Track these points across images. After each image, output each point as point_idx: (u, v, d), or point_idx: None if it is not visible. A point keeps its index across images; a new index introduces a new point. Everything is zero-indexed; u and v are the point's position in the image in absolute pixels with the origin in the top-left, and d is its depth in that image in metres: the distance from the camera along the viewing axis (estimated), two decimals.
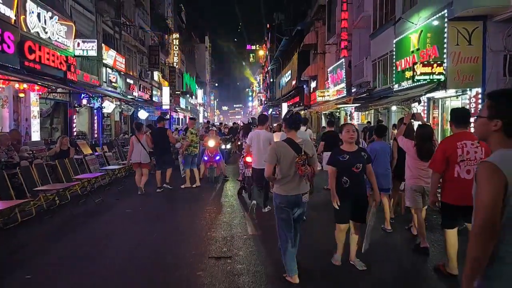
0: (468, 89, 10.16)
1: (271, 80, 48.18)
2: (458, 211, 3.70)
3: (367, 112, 18.56)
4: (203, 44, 76.16)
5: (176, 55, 36.00)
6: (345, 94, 18.86)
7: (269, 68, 47.57)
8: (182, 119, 41.34)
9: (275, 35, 44.03)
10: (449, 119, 4.00)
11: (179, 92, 35.20)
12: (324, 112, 26.04)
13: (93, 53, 13.88)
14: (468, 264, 1.59)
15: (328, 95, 22.10)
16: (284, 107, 37.45)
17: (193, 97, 51.24)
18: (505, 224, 1.56)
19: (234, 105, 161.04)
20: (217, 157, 9.72)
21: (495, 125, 1.66)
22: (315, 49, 25.83)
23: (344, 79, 18.68)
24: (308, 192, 3.79)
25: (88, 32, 15.96)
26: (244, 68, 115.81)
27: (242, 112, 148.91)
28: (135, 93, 22.23)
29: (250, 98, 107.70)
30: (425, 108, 12.27)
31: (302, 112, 34.39)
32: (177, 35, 36.27)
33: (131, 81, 21.45)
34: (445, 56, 10.04)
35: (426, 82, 10.67)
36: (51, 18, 11.80)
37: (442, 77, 10.09)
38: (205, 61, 77.02)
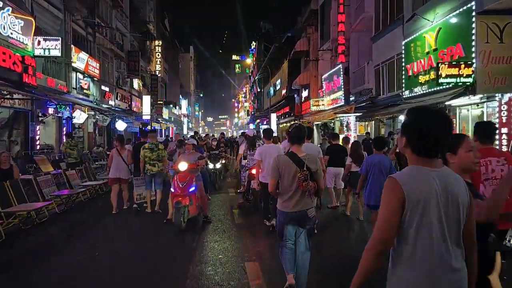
0: (497, 94, 8.66)
1: (259, 90, 46.63)
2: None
3: (366, 123, 17.04)
4: (188, 53, 74.48)
5: (158, 63, 34.09)
6: (343, 103, 17.31)
7: (256, 77, 46.04)
8: (164, 130, 39.16)
9: (263, 44, 42.68)
10: (473, 133, 3.52)
11: (161, 102, 33.15)
12: (317, 123, 24.51)
13: (56, 52, 11.90)
14: (357, 275, 1.65)
15: (323, 104, 20.55)
16: (273, 118, 35.87)
17: (177, 107, 49.17)
18: (398, 239, 1.62)
19: (220, 116, 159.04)
20: (191, 188, 6.37)
21: (403, 141, 1.70)
22: (307, 56, 24.40)
23: (342, 86, 17.15)
24: (313, 207, 3.57)
25: (55, 31, 13.96)
26: (230, 78, 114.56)
27: (227, 123, 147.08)
28: (112, 102, 20.16)
29: (236, 109, 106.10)
30: None
31: (292, 123, 32.92)
32: (160, 42, 34.43)
33: (107, 89, 19.40)
34: (473, 55, 8.54)
35: (449, 86, 9.13)
36: (1, 8, 9.81)
37: (470, 80, 8.56)
38: (189, 71, 75.21)
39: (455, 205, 1.61)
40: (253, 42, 49.14)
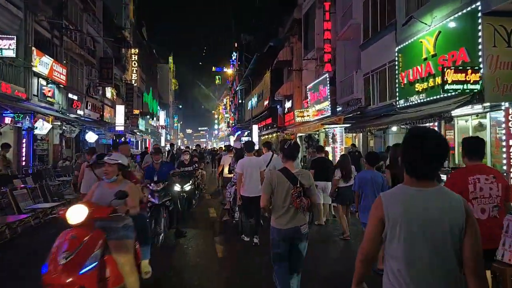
0: (504, 103, 7.88)
1: (240, 101, 45.65)
2: None
3: (354, 135, 16.20)
4: (167, 64, 73.16)
5: (134, 71, 32.60)
6: (329, 114, 16.43)
7: (237, 88, 45.09)
8: (139, 141, 37.42)
9: (244, 55, 41.93)
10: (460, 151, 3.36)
11: (137, 113, 31.53)
12: (300, 135, 23.61)
13: (10, 53, 10.46)
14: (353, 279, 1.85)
15: (308, 115, 19.65)
16: (255, 129, 34.86)
17: (154, 118, 47.47)
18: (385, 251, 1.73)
19: (199, 128, 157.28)
20: (85, 268, 3.03)
21: (400, 161, 1.89)
22: (290, 66, 23.61)
23: (328, 96, 16.30)
24: (306, 223, 3.47)
25: (13, 32, 12.44)
26: (209, 90, 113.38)
27: (207, 136, 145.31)
28: (80, 111, 18.56)
29: (216, 121, 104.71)
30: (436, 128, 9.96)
31: (274, 135, 31.94)
32: (136, 51, 33.00)
33: (75, 97, 17.82)
34: (480, 60, 7.74)
35: (452, 94, 8.30)
36: None
37: (477, 87, 7.75)
38: (168, 82, 73.75)
39: (441, 227, 1.60)
40: (234, 53, 48.35)
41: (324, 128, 16.55)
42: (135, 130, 32.68)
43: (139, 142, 37.57)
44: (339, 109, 16.29)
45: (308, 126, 18.20)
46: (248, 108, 38.95)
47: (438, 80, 9.00)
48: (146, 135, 41.13)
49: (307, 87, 19.52)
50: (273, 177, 3.44)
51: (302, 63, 22.08)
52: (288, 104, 25.28)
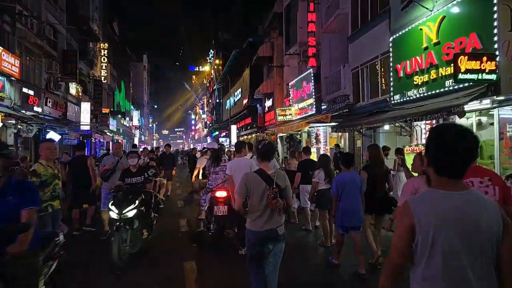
0: None
1: (217, 100, 44.07)
2: None
3: (340, 135, 15.13)
4: (141, 63, 70.61)
5: (104, 68, 30.44)
6: (314, 112, 15.30)
7: (215, 87, 43.51)
8: (109, 142, 35.20)
9: (221, 53, 40.46)
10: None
11: (107, 112, 29.42)
12: (281, 135, 22.43)
13: None
14: None
15: (290, 114, 18.47)
16: (233, 130, 33.45)
17: (127, 118, 45.15)
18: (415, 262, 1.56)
19: (176, 129, 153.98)
20: None
21: (426, 161, 1.65)
22: (271, 62, 22.40)
23: (313, 93, 15.16)
24: (283, 225, 3.39)
25: None
26: (186, 90, 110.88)
27: (184, 137, 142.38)
28: (38, 108, 16.56)
29: (193, 122, 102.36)
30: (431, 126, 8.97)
31: (253, 136, 30.62)
32: (106, 45, 30.86)
33: (31, 92, 15.85)
34: (496, 46, 6.72)
35: (461, 86, 7.25)
36: None
37: (493, 77, 6.71)
38: (143, 81, 71.16)
39: (478, 233, 1.47)
40: (211, 50, 46.74)
41: (309, 127, 15.38)
42: (105, 130, 30.53)
43: (110, 143, 35.35)
44: (324, 107, 15.17)
45: (290, 126, 17.00)
46: (226, 107, 37.50)
47: (443, 71, 7.96)
48: (117, 136, 38.87)
49: (289, 84, 18.35)
50: (248, 178, 3.34)
51: (283, 59, 20.94)
52: (268, 103, 24.06)
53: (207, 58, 49.76)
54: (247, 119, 29.63)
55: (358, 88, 12.37)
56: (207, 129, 59.02)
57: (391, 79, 9.91)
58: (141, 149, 17.07)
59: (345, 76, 12.83)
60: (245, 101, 28.10)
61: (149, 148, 18.72)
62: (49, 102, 18.11)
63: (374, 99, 11.26)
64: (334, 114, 12.41)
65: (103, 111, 28.82)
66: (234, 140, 33.37)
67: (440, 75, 8.01)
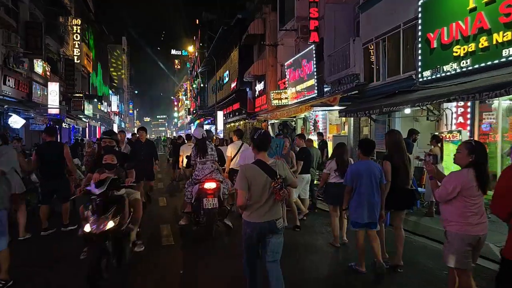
0: None
1: (202, 85, 41.70)
2: None
3: (343, 121, 13.47)
4: (120, 45, 67.06)
5: (77, 46, 27.69)
6: (315, 94, 13.52)
7: (199, 71, 41.03)
8: (85, 129, 32.60)
9: (206, 33, 37.94)
10: None
11: (80, 95, 26.83)
12: (273, 122, 20.63)
13: None
14: None
15: (286, 98, 16.65)
16: (220, 116, 31.46)
17: (105, 103, 42.33)
18: None
19: (158, 116, 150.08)
20: None
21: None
22: (262, 40, 20.39)
23: (315, 73, 13.36)
24: (281, 217, 3.28)
25: None
26: (168, 75, 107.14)
27: (166, 124, 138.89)
28: None
29: (175, 108, 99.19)
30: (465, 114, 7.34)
31: (242, 123, 28.68)
32: (79, 21, 28.03)
33: None
34: None
35: None
36: None
37: None
38: (122, 64, 67.75)
39: None
40: (196, 31, 44.05)
41: (311, 112, 13.60)
42: (80, 116, 27.99)
43: (85, 129, 32.75)
44: (327, 89, 13.41)
45: (286, 111, 15.18)
46: (212, 92, 35.32)
47: (498, 37, 6.29)
48: (94, 122, 36.24)
49: (285, 64, 16.47)
50: (248, 171, 3.19)
51: (277, 37, 18.96)
52: (259, 86, 22.12)
53: (191, 39, 47.00)
54: (235, 104, 27.62)
55: (371, 66, 10.64)
56: (190, 116, 56.58)
57: (419, 52, 8.19)
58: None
59: (354, 52, 11.06)
60: (233, 85, 26.06)
61: (129, 136, 16.49)
62: (9, 80, 15.69)
63: (393, 77, 9.54)
64: (344, 95, 10.65)
65: (77, 94, 26.24)
66: (220, 127, 31.42)
67: (494, 42, 6.33)
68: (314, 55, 13.26)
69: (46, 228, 6.05)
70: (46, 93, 19.77)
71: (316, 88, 13.39)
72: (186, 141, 10.72)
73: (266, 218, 3.16)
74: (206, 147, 5.94)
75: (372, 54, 10.55)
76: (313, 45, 13.27)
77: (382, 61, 10.05)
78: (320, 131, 13.85)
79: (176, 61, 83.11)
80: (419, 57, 8.20)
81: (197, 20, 39.99)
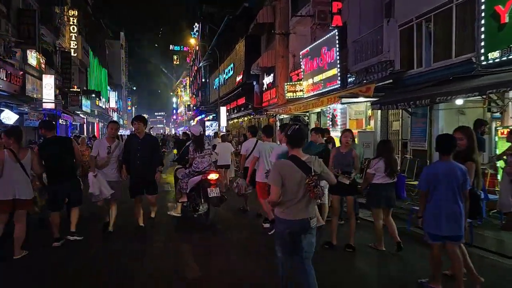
0: None
1: (203, 80, 40.31)
2: None
3: (369, 114, 12.25)
4: (118, 41, 65.43)
5: (74, 38, 26.31)
6: (338, 85, 12.28)
7: (200, 65, 39.64)
8: (83, 125, 31.22)
9: (207, 26, 36.55)
10: None
11: (77, 90, 25.46)
12: (282, 117, 19.38)
13: None
14: None
15: (301, 90, 15.41)
16: (223, 112, 30.08)
17: (103, 99, 40.93)
18: None
19: (156, 113, 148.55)
20: None
21: None
22: (272, 29, 19.09)
23: (338, 62, 12.11)
24: (315, 217, 3.25)
25: None
26: (167, 72, 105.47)
27: (164, 121, 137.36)
28: None
29: (174, 105, 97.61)
30: None
31: (246, 119, 27.41)
32: (76, 13, 26.64)
33: None
34: None
35: None
36: None
37: None
38: (120, 60, 66.15)
39: None
40: (196, 24, 42.61)
41: (328, 106, 12.34)
42: (77, 111, 26.62)
43: (83, 125, 31.39)
44: (351, 79, 12.16)
45: (303, 104, 13.91)
46: (214, 87, 33.97)
47: None
48: (92, 118, 34.89)
49: (300, 53, 15.19)
50: (282, 167, 3.14)
51: (289, 26, 17.69)
52: (267, 79, 20.84)
53: (191, 33, 45.53)
54: (239, 99, 26.34)
55: (410, 51, 9.38)
56: (190, 113, 55.21)
57: (482, 29, 6.93)
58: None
59: (388, 35, 9.82)
60: (238, 78, 24.74)
61: (127, 132, 15.34)
62: (0, 72, 14.35)
63: (441, 62, 8.27)
64: (380, 84, 9.40)
65: (73, 90, 24.87)
66: (223, 123, 30.12)
67: None
68: (337, 41, 12.00)
69: (59, 238, 5.26)
70: (40, 87, 18.43)
71: (339, 78, 12.14)
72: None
73: (301, 216, 3.12)
74: (203, 142, 6.52)
75: (412, 37, 9.28)
76: (336, 30, 12.00)
77: (425, 45, 8.78)
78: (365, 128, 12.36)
79: (175, 57, 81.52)
80: (482, 36, 6.95)
81: (198, 12, 38.52)
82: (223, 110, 30.17)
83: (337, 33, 11.98)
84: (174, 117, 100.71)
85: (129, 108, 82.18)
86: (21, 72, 16.52)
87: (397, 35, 9.65)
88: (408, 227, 5.97)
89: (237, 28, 24.23)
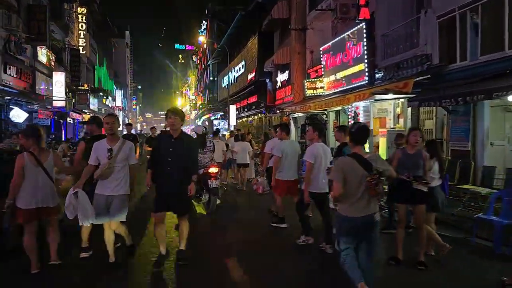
0: None
1: (211, 78, 39.77)
2: None
3: (398, 112, 11.65)
4: (123, 39, 65.07)
5: (82, 36, 25.89)
6: (366, 81, 11.69)
7: (208, 63, 39.10)
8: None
9: (216, 23, 36.03)
10: None
11: (86, 88, 24.99)
12: (295, 115, 18.82)
13: None
14: None
15: (322, 87, 14.83)
16: (232, 111, 29.50)
17: (110, 98, 40.52)
18: None
19: (159, 112, 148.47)
20: None
21: None
22: (287, 25, 18.49)
23: (365, 56, 11.52)
24: (378, 212, 3.30)
25: None
26: (171, 71, 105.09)
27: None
28: None
29: (178, 103, 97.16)
30: None
31: (256, 117, 26.83)
32: (84, 10, 26.21)
33: None
34: None
35: None
36: None
37: None
38: (125, 59, 65.84)
39: None
40: (204, 21, 42.08)
41: (364, 100, 11.72)
42: (85, 110, 26.17)
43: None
44: (379, 75, 11.57)
45: (325, 102, 13.32)
46: (223, 86, 33.42)
47: None
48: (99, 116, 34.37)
49: (321, 48, 14.60)
50: (344, 164, 3.24)
51: (306, 21, 17.11)
52: (281, 77, 20.26)
53: (199, 31, 45.00)
54: (250, 97, 25.77)
55: (451, 44, 8.77)
56: (196, 111, 54.68)
57: None
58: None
59: (426, 27, 9.21)
60: (250, 76, 24.18)
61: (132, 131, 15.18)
62: (10, 69, 13.88)
63: (490, 55, 7.65)
64: (419, 79, 8.79)
65: (82, 88, 24.41)
66: (233, 122, 29.57)
67: None
68: (364, 35, 11.40)
69: (87, 248, 4.71)
70: (50, 84, 17.95)
71: (366, 73, 11.55)
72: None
73: (365, 212, 3.17)
74: (206, 140, 7.48)
75: (452, 29, 8.67)
76: (364, 23, 11.40)
77: (470, 37, 8.17)
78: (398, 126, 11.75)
79: (180, 56, 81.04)
80: None
81: (206, 10, 37.96)
82: (232, 108, 29.60)
83: (364, 27, 11.38)
84: None
85: (133, 107, 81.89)
86: (31, 69, 16.05)
87: (436, 27, 9.04)
88: (473, 238, 5.37)
89: (248, 24, 23.65)
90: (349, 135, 3.42)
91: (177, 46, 77.44)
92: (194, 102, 58.80)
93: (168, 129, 4.68)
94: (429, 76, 9.11)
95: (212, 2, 39.15)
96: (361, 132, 3.33)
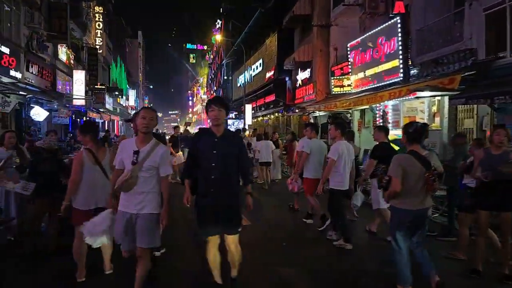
0: None
1: (225, 77, 39.48)
2: None
3: (434, 110, 11.14)
4: (136, 39, 65.31)
5: (99, 35, 25.82)
6: (401, 78, 11.20)
7: (223, 62, 38.84)
8: (106, 123, 30.65)
9: (231, 22, 35.72)
10: None
11: (103, 87, 24.90)
12: (316, 115, 18.37)
13: None
14: None
15: (349, 85, 14.36)
16: (248, 110, 29.15)
17: (124, 97, 40.53)
18: None
19: (170, 112, 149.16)
20: None
21: None
22: (308, 22, 18.04)
23: (400, 52, 11.03)
24: (431, 206, 3.65)
25: None
26: (181, 71, 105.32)
27: (178, 120, 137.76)
28: (17, 73, 12.14)
29: (190, 103, 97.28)
30: None
31: (273, 117, 26.43)
32: (101, 9, 26.15)
33: (5, 50, 11.42)
34: None
35: None
36: None
37: None
38: (138, 59, 66.03)
39: None
40: (218, 20, 41.82)
41: (404, 97, 11.23)
42: (101, 109, 26.09)
43: (106, 123, 30.90)
44: (414, 71, 11.07)
45: (352, 100, 12.86)
46: (238, 84, 33.09)
47: None
48: (114, 116, 34.43)
49: (348, 45, 14.13)
50: (405, 160, 3.40)
51: (330, 17, 16.65)
52: (302, 75, 19.82)
53: (213, 30, 44.73)
54: (268, 96, 25.38)
55: (499, 38, 8.25)
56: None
57: None
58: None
59: (470, 20, 8.71)
60: (269, 74, 23.78)
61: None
62: (32, 66, 13.72)
63: None
64: (465, 74, 8.29)
65: (99, 86, 24.32)
66: (249, 121, 29.23)
67: None
68: (399, 30, 10.92)
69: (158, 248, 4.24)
70: (68, 83, 17.80)
71: (401, 70, 11.06)
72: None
73: (420, 206, 3.39)
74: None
75: (502, 22, 8.16)
76: (398, 18, 10.91)
77: None
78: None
79: (191, 56, 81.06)
80: None
81: (221, 9, 37.70)
82: (248, 108, 29.25)
83: (399, 21, 10.90)
84: (190, 115, 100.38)
85: (145, 106, 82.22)
86: (52, 68, 15.91)
87: (482, 20, 8.53)
88: None
89: (267, 22, 23.25)
90: (405, 134, 3.56)
91: (188, 45, 77.46)
92: (205, 101, 58.80)
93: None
94: (474, 72, 8.59)
95: (224, 2, 38.97)
96: (419, 131, 3.49)
